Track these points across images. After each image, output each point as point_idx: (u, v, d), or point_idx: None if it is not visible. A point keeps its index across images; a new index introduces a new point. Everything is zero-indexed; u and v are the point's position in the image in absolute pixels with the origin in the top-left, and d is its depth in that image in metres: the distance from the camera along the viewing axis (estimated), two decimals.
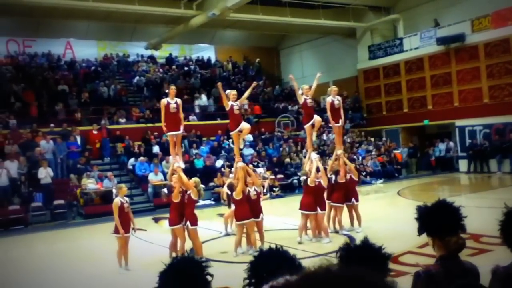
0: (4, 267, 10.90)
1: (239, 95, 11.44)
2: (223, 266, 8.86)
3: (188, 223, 9.80)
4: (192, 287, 2.23)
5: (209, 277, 2.32)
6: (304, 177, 11.43)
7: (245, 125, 10.90)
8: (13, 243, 14.51)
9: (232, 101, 10.78)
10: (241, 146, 11.26)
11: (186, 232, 9.98)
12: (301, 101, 11.96)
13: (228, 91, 11.13)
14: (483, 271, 3.07)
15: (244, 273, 2.36)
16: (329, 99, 12.15)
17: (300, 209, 11.17)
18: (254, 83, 12.60)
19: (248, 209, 10.19)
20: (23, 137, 20.17)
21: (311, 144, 12.25)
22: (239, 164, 10.65)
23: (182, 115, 10.78)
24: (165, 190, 10.81)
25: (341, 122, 12.32)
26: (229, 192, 11.29)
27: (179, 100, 10.68)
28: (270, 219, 12.97)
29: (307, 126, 12.07)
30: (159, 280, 2.28)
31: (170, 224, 10.08)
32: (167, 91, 11.17)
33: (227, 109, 10.82)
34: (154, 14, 25.21)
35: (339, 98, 12.49)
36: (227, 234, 12.36)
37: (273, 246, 2.48)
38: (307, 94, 11.86)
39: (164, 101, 10.68)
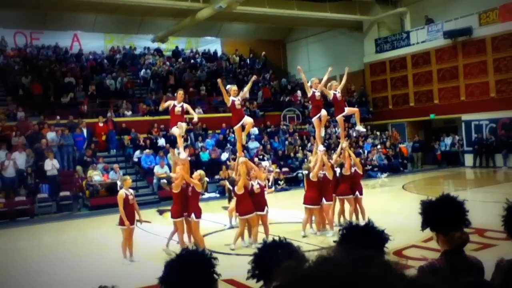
0: (10, 258, 11.00)
1: (244, 88, 11.48)
2: (227, 258, 8.90)
3: (192, 215, 9.86)
4: (197, 282, 2.23)
5: (215, 276, 2.31)
6: (306, 172, 11.44)
7: (247, 120, 10.93)
8: (19, 234, 14.63)
9: (233, 96, 10.82)
10: (244, 142, 11.22)
11: (187, 224, 10.09)
12: (309, 93, 11.97)
13: (228, 86, 11.21)
14: (488, 265, 3.08)
15: (248, 265, 2.38)
16: (331, 93, 12.15)
17: (304, 203, 11.20)
18: (254, 77, 12.69)
19: (251, 204, 10.22)
20: (30, 129, 20.28)
21: (320, 136, 12.23)
22: (241, 159, 10.68)
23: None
24: (164, 180, 10.83)
25: (346, 110, 12.31)
26: (231, 187, 11.28)
27: (185, 105, 10.99)
28: (275, 212, 13.00)
29: (314, 119, 12.08)
30: (164, 270, 2.28)
31: (172, 216, 10.22)
32: (174, 94, 11.24)
33: (228, 104, 10.91)
34: (161, 7, 25.19)
35: (339, 90, 12.46)
36: (232, 227, 12.40)
37: (277, 238, 2.50)
38: (316, 87, 11.85)
39: (170, 103, 10.92)
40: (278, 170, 21.99)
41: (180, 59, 31.10)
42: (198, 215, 9.92)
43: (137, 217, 9.92)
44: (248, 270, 2.39)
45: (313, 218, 11.39)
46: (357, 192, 12.17)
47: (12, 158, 17.92)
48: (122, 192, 9.74)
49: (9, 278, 9.14)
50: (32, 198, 17.59)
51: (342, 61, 32.33)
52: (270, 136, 25.47)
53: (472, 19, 25.15)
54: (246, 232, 10.59)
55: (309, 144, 25.34)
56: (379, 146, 26.12)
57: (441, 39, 26.47)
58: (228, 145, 23.42)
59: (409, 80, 28.66)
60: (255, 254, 2.46)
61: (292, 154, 24.04)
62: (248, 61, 34.31)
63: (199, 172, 10.29)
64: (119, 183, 10.65)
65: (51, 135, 20.01)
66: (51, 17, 27.81)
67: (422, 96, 28.11)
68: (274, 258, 2.28)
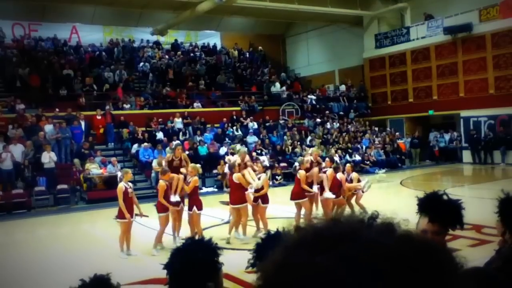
0: (7, 251, 10.99)
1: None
2: (224, 253, 8.87)
3: (194, 208, 9.92)
4: (200, 270, 2.26)
5: (218, 265, 2.35)
6: (297, 165, 11.42)
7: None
8: (16, 226, 14.62)
9: None
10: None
11: (187, 217, 10.12)
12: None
13: None
14: (485, 261, 3.09)
15: (244, 259, 2.36)
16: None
17: (291, 199, 11.29)
18: None
19: (243, 194, 10.33)
20: (28, 121, 20.21)
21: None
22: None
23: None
24: (156, 165, 10.68)
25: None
26: (228, 171, 11.21)
27: (184, 156, 11.25)
28: (272, 207, 12.99)
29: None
30: (169, 258, 2.33)
31: (160, 211, 10.03)
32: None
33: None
34: None
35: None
36: (229, 222, 12.37)
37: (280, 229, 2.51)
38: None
39: (169, 156, 11.13)
40: (276, 165, 21.96)
41: (179, 53, 31.01)
42: (200, 208, 10.02)
43: (136, 211, 9.91)
44: (248, 259, 2.39)
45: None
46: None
47: (9, 150, 17.86)
48: (121, 185, 9.70)
49: (5, 272, 9.12)
50: (29, 191, 17.53)
51: (341, 56, 32.44)
52: (268, 131, 25.43)
53: (472, 15, 25.10)
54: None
55: (308, 139, 25.33)
56: (377, 142, 26.13)
57: (441, 35, 26.42)
58: (227, 139, 23.39)
59: (408, 76, 28.63)
60: (258, 244, 2.47)
61: (290, 149, 24.01)
62: (247, 55, 34.24)
63: (193, 167, 10.30)
64: (119, 174, 10.59)
65: (48, 128, 19.95)
66: (50, 8, 27.68)
67: (421, 92, 28.08)
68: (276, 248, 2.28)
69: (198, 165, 10.81)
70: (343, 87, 31.38)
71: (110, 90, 25.02)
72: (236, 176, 10.37)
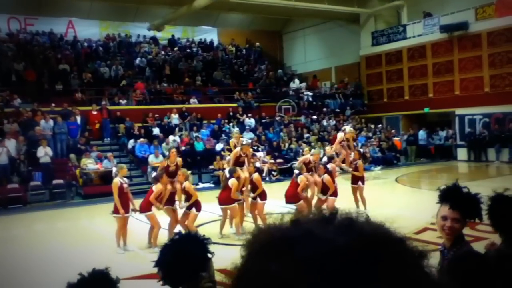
0: (2, 245, 10.98)
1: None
2: (222, 249, 8.92)
3: (193, 209, 9.99)
4: (191, 261, 2.30)
5: (209, 255, 2.41)
6: (297, 172, 11.38)
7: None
8: (12, 221, 14.59)
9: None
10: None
11: (181, 216, 10.27)
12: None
13: None
14: None
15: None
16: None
17: (286, 202, 11.31)
18: None
19: (230, 195, 10.37)
20: (24, 116, 20.15)
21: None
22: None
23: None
24: (154, 174, 10.87)
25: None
26: (228, 175, 11.30)
27: (179, 161, 11.37)
28: (269, 202, 13.04)
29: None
30: (160, 253, 2.38)
31: (144, 210, 10.00)
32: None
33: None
34: None
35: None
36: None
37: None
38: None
39: (164, 162, 11.32)
40: (272, 161, 22.00)
41: (176, 48, 30.96)
42: (198, 209, 10.09)
43: (131, 206, 9.92)
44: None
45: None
46: (359, 182, 12.79)
47: (5, 145, 17.80)
48: (117, 180, 9.70)
49: (1, 266, 9.12)
50: (25, 186, 17.50)
51: (338, 53, 32.45)
52: (265, 127, 25.45)
53: (468, 13, 25.18)
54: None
55: (306, 136, 25.38)
56: (372, 139, 26.18)
57: (437, 33, 26.48)
58: (223, 135, 23.40)
59: (404, 73, 28.69)
60: None
61: (286, 145, 24.05)
62: (244, 51, 34.22)
63: (182, 172, 10.37)
64: (114, 169, 10.58)
65: (44, 123, 19.90)
66: (46, 2, 27.58)
67: (417, 90, 28.15)
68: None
69: (188, 171, 10.83)
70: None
71: (107, 85, 24.93)
72: (231, 182, 10.45)
